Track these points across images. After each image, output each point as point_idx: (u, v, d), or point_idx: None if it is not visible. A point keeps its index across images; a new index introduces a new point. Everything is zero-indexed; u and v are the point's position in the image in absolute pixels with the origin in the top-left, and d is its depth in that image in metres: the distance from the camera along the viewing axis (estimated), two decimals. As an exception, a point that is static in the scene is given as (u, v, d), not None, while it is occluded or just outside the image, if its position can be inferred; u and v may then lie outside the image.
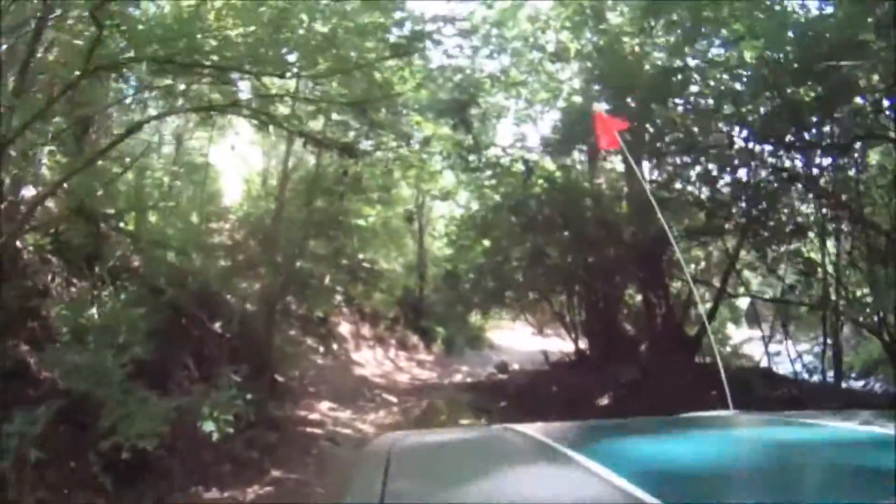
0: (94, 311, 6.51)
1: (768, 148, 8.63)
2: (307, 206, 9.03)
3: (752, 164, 8.87)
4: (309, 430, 7.90)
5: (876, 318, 7.94)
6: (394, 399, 11.31)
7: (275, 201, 10.12)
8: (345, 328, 14.80)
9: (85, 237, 7.58)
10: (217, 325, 7.95)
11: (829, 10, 7.51)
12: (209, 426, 5.09)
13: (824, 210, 8.50)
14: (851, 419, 1.76)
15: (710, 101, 8.65)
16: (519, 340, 21.17)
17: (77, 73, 4.96)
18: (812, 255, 9.09)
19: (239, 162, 16.40)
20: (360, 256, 16.38)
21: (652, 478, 1.13)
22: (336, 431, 8.03)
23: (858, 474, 1.23)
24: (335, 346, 13.16)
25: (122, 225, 8.74)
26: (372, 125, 7.19)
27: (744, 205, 8.85)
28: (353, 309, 15.67)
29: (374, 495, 1.17)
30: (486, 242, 12.00)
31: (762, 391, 7.15)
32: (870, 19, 6.37)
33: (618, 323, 11.53)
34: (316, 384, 10.78)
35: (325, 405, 9.80)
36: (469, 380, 14.55)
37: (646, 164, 9.97)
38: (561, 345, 15.06)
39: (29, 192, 7.06)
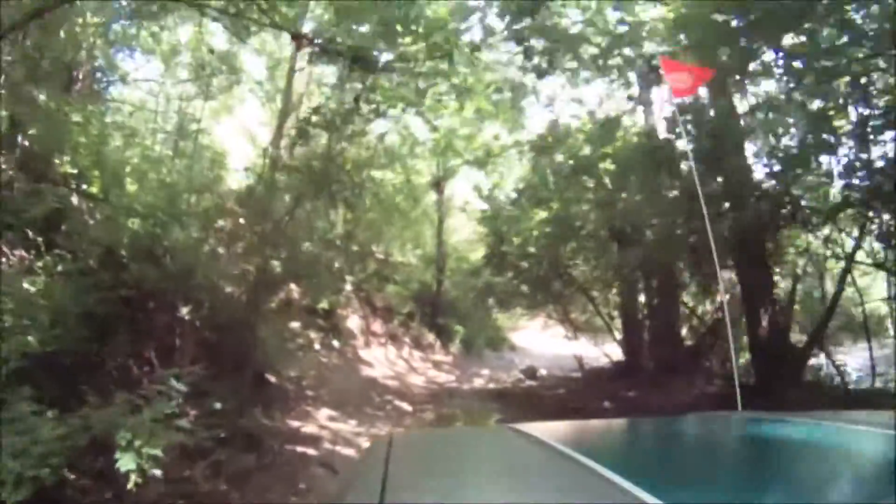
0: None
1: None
2: (298, 143, 7.04)
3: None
4: (300, 448, 6.16)
5: None
6: (407, 407, 9.55)
7: (266, 154, 8.22)
8: (353, 322, 13.06)
9: (25, 196, 6.03)
10: (185, 311, 6.25)
11: None
12: (128, 463, 3.33)
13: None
14: (852, 419, 1.79)
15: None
16: (539, 342, 19.61)
17: None
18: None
19: (248, 144, 15.06)
20: (374, 248, 14.71)
21: (653, 478, 1.14)
22: (335, 452, 6.26)
23: (859, 474, 1.26)
24: (337, 343, 11.42)
25: (84, 187, 7.24)
26: (393, 35, 5.34)
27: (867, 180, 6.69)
28: (362, 301, 13.93)
29: (374, 495, 1.14)
30: (543, 214, 9.78)
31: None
32: None
33: (679, 326, 9.57)
34: (316, 387, 9.06)
35: (324, 413, 8.08)
36: (492, 385, 12.80)
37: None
38: (589, 349, 13.19)
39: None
